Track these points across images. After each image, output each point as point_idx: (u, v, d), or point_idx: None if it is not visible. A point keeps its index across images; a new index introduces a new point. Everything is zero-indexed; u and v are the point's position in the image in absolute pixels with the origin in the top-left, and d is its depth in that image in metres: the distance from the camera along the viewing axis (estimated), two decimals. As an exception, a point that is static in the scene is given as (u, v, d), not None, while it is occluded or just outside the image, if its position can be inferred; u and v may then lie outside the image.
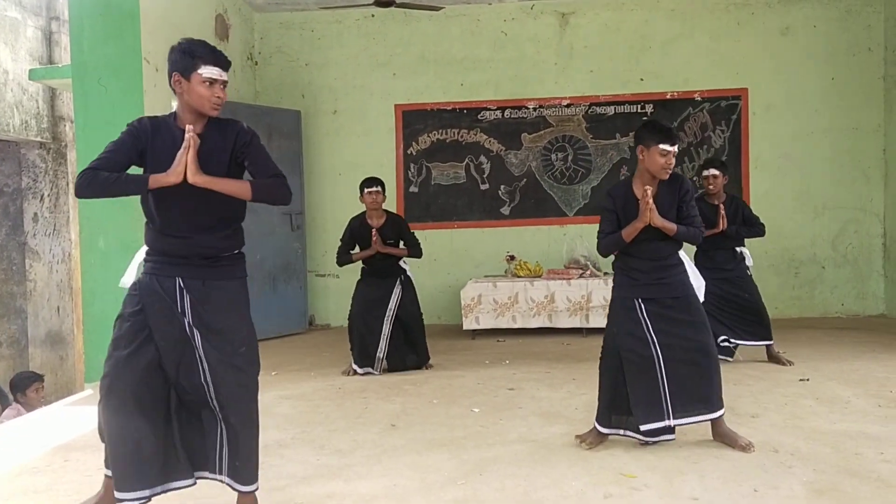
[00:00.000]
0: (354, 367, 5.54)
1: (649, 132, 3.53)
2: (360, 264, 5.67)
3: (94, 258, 5.60)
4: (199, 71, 2.64)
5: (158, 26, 5.85)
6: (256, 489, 2.76)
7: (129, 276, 2.82)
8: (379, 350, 5.48)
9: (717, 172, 5.34)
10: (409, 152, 8.20)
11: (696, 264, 5.40)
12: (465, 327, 7.03)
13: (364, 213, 5.63)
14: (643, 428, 3.48)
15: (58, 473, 3.49)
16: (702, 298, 3.61)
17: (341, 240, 5.69)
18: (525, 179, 8.10)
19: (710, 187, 5.35)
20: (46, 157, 8.20)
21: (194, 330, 2.66)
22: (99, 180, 2.55)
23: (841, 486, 3.03)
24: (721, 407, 3.55)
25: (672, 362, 3.49)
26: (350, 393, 4.97)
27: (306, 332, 7.78)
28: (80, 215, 5.67)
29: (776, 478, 3.14)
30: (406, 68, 8.19)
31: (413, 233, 5.75)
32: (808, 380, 4.90)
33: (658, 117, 7.93)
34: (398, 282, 5.60)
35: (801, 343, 6.29)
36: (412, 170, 8.20)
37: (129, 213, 5.55)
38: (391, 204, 8.15)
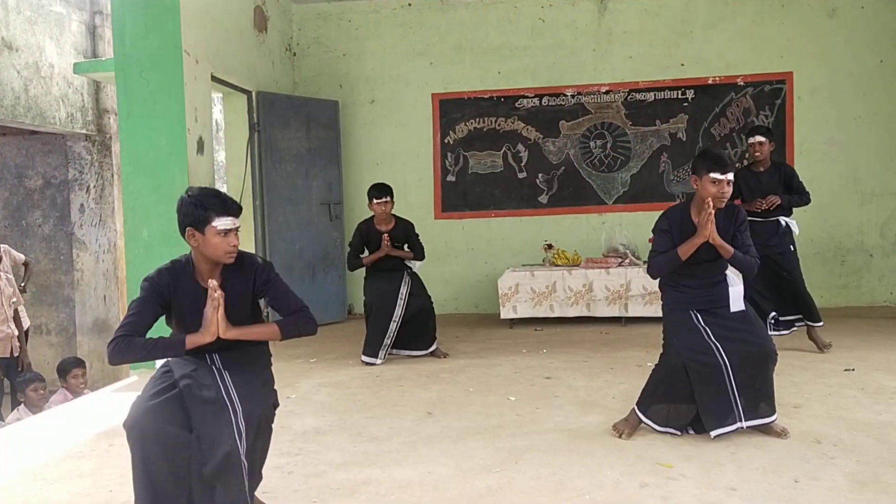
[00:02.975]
0: (364, 358, 5.62)
1: (701, 161, 3.50)
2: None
3: (137, 248, 5.72)
4: (214, 224, 2.64)
5: (198, 19, 5.93)
6: None
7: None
8: (387, 337, 5.57)
9: (763, 139, 5.21)
10: (446, 141, 8.19)
11: None
12: (502, 316, 7.02)
13: (373, 217, 5.71)
14: (714, 433, 3.46)
15: (102, 458, 3.60)
16: (741, 304, 3.56)
17: (350, 244, 5.80)
18: (563, 167, 8.04)
19: (757, 154, 5.23)
20: (92, 149, 8.39)
21: (230, 387, 2.62)
22: (135, 347, 2.55)
23: (884, 478, 2.96)
24: (775, 411, 3.56)
25: (738, 367, 3.45)
26: (387, 381, 5.01)
27: (345, 321, 7.85)
28: (125, 206, 5.80)
29: (818, 469, 3.08)
30: (443, 57, 8.17)
31: (419, 236, 5.83)
32: (853, 370, 4.79)
33: (699, 103, 7.81)
34: (405, 274, 5.69)
35: (847, 332, 6.15)
36: (449, 159, 8.19)
37: (171, 204, 5.64)
38: (429, 192, 8.18)
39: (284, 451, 3.56)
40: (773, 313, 5.27)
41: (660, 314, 6.99)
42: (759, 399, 3.50)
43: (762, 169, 5.31)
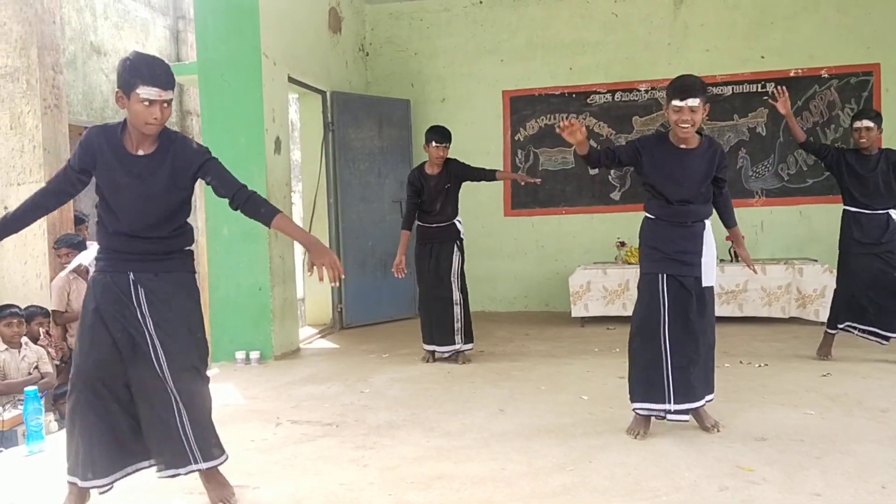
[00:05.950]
0: (427, 347, 5.52)
1: (669, 88, 3.47)
2: (415, 225, 5.55)
3: (218, 245, 5.92)
4: (138, 91, 2.60)
5: (276, 22, 6.09)
6: (223, 461, 2.88)
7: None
8: (456, 321, 5.40)
9: (871, 124, 4.79)
10: (516, 138, 8.18)
11: (845, 236, 4.96)
12: (573, 315, 6.97)
13: (423, 164, 5.56)
14: (635, 406, 3.61)
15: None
16: (713, 277, 3.63)
17: (406, 201, 5.57)
18: (636, 164, 7.90)
19: (863, 140, 4.82)
20: (175, 149, 8.70)
21: (147, 319, 2.72)
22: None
23: (982, 489, 2.82)
24: (712, 391, 3.66)
25: (679, 347, 3.52)
26: (459, 377, 5.04)
27: (416, 316, 7.90)
28: (206, 205, 6.00)
29: (907, 476, 2.96)
30: (514, 54, 8.15)
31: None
32: (946, 375, 4.57)
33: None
34: (455, 247, 5.47)
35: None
36: (519, 156, 8.17)
37: (249, 201, 5.82)
38: (498, 190, 8.18)
39: (360, 444, 3.64)
40: (848, 324, 4.99)
41: (736, 314, 6.80)
42: (694, 385, 3.54)
43: (872, 152, 4.89)
